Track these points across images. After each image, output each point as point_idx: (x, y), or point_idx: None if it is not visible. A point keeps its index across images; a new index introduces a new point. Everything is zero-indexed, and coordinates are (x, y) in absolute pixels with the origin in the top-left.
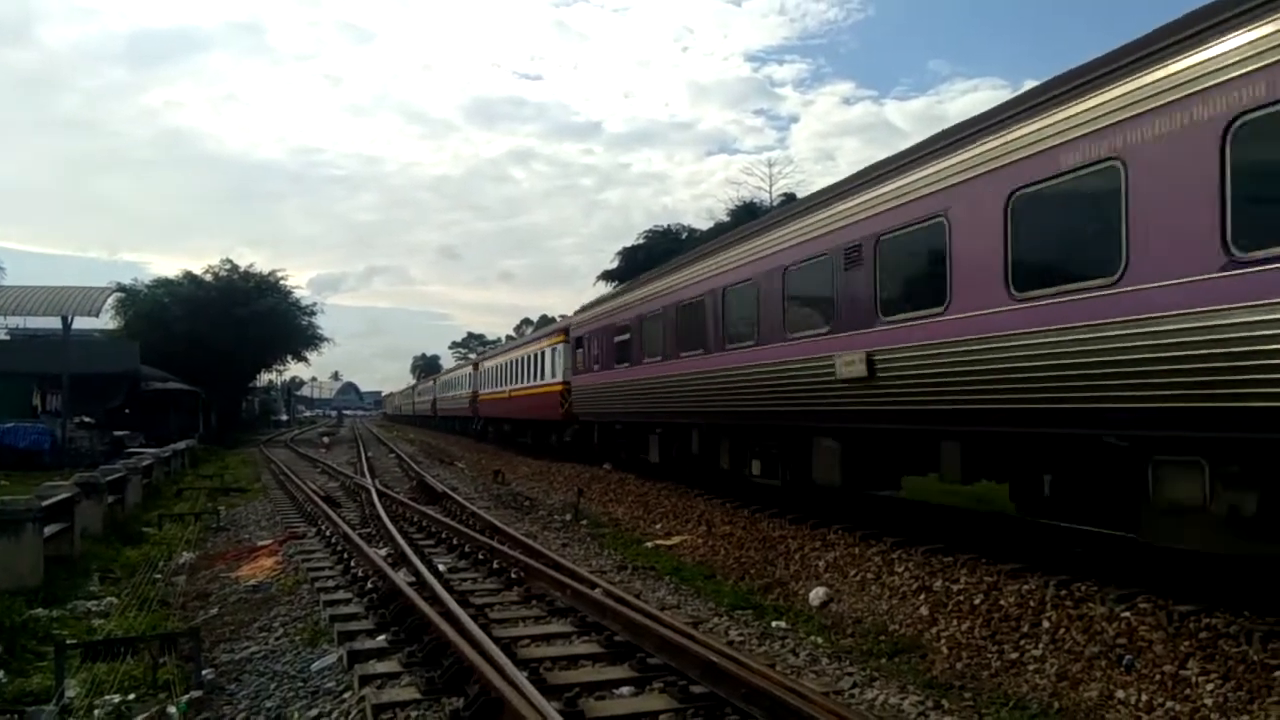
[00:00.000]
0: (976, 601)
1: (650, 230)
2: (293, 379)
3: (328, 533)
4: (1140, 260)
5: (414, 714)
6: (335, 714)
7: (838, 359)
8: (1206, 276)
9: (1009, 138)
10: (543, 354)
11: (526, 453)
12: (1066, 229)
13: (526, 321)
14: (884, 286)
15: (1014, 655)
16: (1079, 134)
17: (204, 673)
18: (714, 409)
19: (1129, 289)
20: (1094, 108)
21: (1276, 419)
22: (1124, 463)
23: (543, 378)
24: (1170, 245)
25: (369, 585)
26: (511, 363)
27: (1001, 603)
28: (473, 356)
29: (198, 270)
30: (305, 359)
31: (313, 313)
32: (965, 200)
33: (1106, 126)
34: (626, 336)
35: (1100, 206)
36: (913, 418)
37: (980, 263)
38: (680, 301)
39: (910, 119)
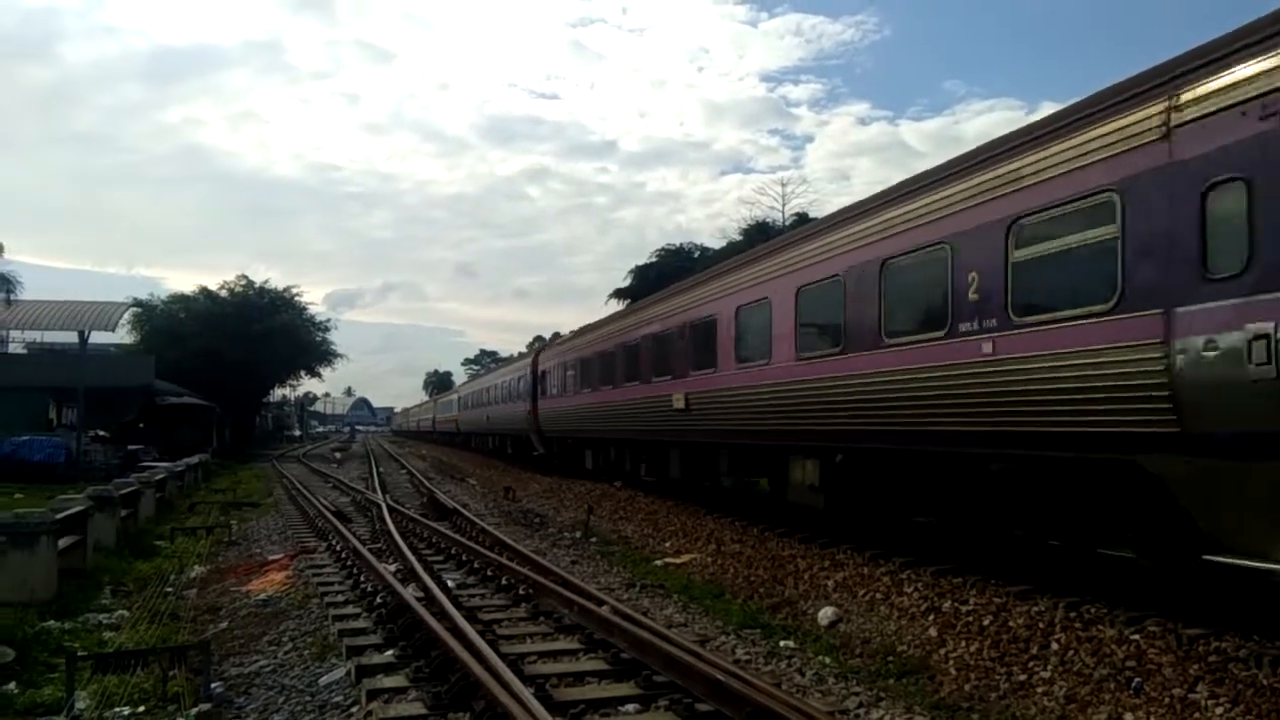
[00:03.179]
0: (985, 623)
1: (663, 249)
2: (306, 394)
3: (338, 547)
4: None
5: None
6: None
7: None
8: None
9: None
10: (455, 399)
11: (538, 470)
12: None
13: (539, 338)
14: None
15: (1022, 677)
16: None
17: (213, 686)
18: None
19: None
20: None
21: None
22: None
23: (454, 411)
24: None
25: (378, 600)
26: (445, 402)
27: (1010, 624)
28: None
29: (213, 286)
30: (319, 375)
31: (327, 329)
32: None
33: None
34: (477, 396)
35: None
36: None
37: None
38: (474, 391)
39: (926, 139)
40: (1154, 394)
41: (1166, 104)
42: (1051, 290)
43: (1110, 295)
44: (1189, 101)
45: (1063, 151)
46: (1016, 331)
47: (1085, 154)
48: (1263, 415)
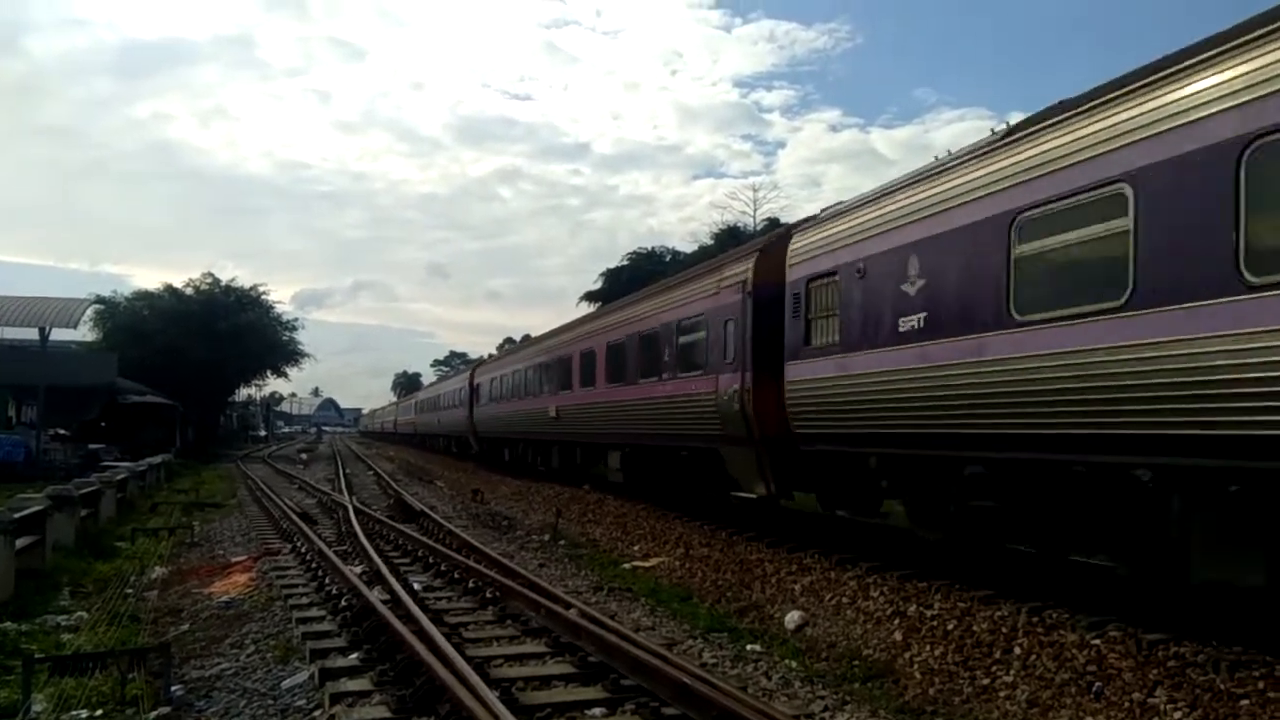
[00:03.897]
0: (949, 627)
1: (634, 252)
2: (272, 394)
3: (303, 549)
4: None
5: None
6: None
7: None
8: None
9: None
10: (411, 405)
11: (507, 473)
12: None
13: (509, 340)
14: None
15: (985, 681)
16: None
17: (173, 689)
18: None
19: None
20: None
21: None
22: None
23: (406, 414)
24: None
25: (343, 603)
26: (405, 406)
27: (974, 629)
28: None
29: (179, 284)
30: (285, 374)
31: (294, 328)
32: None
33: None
34: (431, 402)
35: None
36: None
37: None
38: (428, 397)
39: (896, 147)
40: (713, 417)
41: (718, 277)
42: (689, 358)
43: (703, 364)
44: (724, 278)
45: (688, 291)
46: (678, 379)
47: (694, 294)
48: (741, 426)
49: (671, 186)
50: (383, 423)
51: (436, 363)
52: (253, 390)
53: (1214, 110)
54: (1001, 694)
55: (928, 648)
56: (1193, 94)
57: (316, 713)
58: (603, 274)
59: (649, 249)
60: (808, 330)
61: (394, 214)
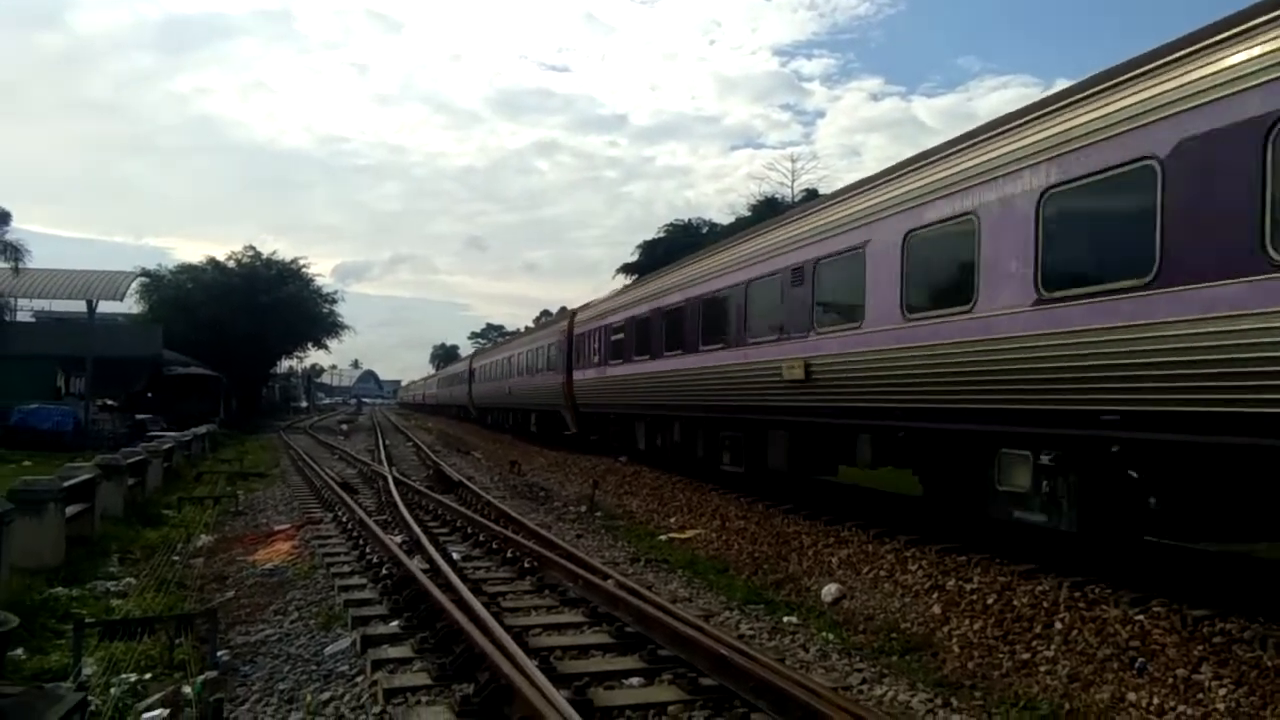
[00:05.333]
0: (989, 601)
1: (671, 224)
2: (313, 366)
3: (344, 519)
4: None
5: (425, 699)
6: (347, 697)
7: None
8: None
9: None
10: (435, 381)
11: (543, 444)
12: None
13: (546, 313)
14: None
15: (1025, 656)
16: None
17: (219, 654)
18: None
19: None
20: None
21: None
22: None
23: (431, 389)
24: None
25: (383, 571)
26: (430, 381)
27: (1014, 603)
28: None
29: (221, 257)
30: (326, 346)
31: (334, 300)
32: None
33: None
34: (448, 379)
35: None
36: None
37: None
38: (446, 375)
39: (938, 116)
40: (558, 395)
41: (560, 324)
42: (550, 364)
43: (554, 368)
44: (559, 326)
45: (551, 330)
46: (546, 374)
47: (552, 332)
48: (565, 400)
49: (709, 157)
50: (415, 395)
51: (473, 335)
52: (294, 362)
53: (894, 213)
54: (1042, 669)
55: (967, 621)
56: (887, 198)
57: (359, 678)
58: (640, 246)
59: (686, 221)
60: (578, 357)
61: (432, 186)
